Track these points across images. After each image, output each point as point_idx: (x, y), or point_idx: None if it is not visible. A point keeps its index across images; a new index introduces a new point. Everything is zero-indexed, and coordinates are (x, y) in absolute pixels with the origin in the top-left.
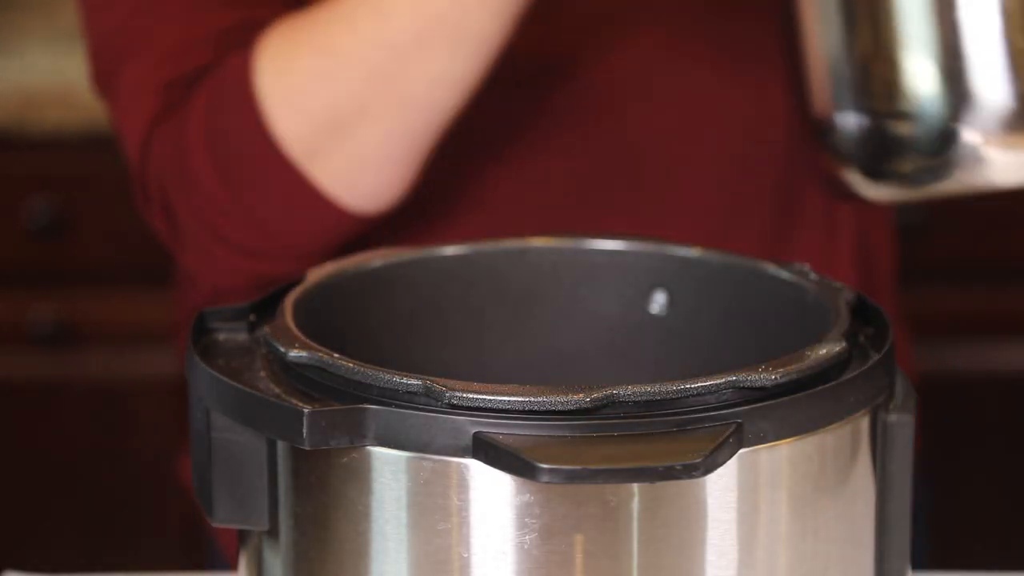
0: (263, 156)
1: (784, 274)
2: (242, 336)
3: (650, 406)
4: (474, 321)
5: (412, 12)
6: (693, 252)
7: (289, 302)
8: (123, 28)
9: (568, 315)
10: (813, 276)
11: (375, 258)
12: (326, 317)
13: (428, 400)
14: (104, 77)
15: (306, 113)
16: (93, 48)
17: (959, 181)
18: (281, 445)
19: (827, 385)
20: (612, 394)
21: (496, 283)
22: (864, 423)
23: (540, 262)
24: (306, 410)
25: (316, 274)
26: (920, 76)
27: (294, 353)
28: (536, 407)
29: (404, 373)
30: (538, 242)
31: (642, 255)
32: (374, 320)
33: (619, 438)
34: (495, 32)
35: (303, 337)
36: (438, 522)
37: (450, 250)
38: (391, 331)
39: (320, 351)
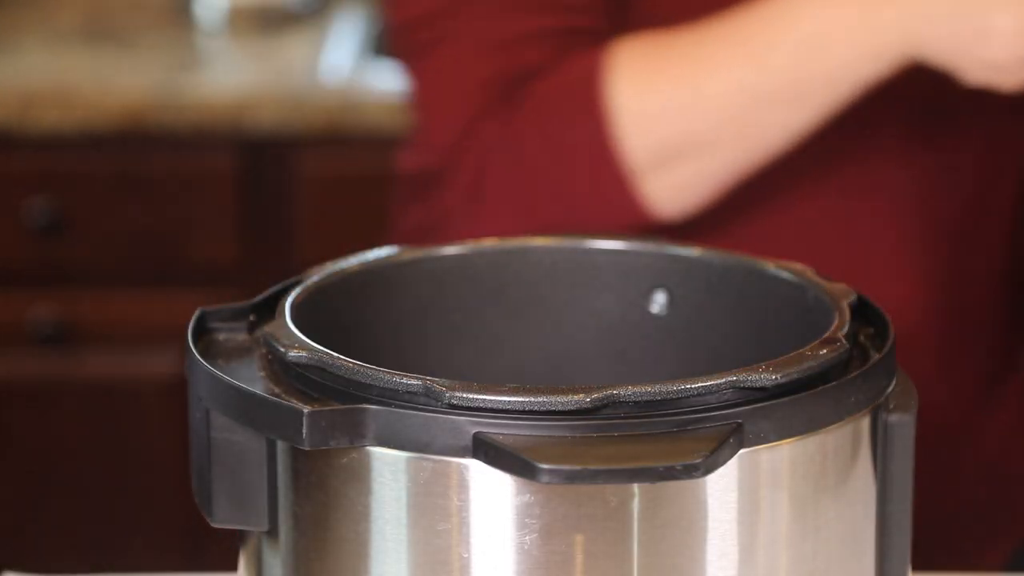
0: (600, 162)
1: (784, 274)
2: (242, 336)
3: (650, 406)
4: (474, 321)
5: (785, 66)
6: (693, 252)
7: (288, 302)
8: (443, 10)
9: (568, 315)
10: (812, 276)
11: (375, 257)
12: (326, 316)
13: (428, 400)
14: (414, 48)
15: (657, 136)
16: (404, 19)
17: None
18: (281, 445)
19: (828, 385)
20: (612, 394)
21: (496, 283)
22: (865, 423)
23: (540, 262)
24: (306, 410)
25: (316, 273)
26: None
27: (294, 353)
28: (536, 407)
29: (404, 373)
30: (538, 242)
31: (642, 255)
32: (374, 319)
33: (619, 438)
34: (853, 93)
35: (303, 337)
36: (438, 522)
37: (450, 250)
38: (391, 330)
39: (320, 351)
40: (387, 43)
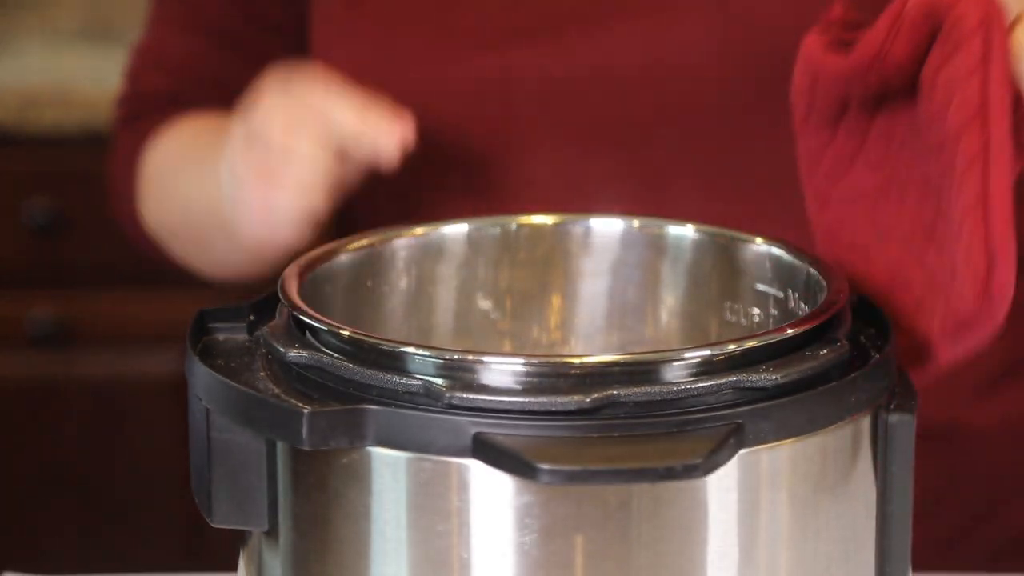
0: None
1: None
2: (242, 336)
3: (650, 406)
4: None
5: (198, 208)
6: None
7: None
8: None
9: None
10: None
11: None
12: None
13: (428, 400)
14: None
15: (153, 219)
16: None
17: None
18: (281, 445)
19: (828, 385)
20: (612, 394)
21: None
22: (865, 423)
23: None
24: (306, 410)
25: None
26: None
27: (294, 353)
28: (536, 407)
29: (404, 373)
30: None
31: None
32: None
33: (619, 438)
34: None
35: (303, 336)
36: (438, 523)
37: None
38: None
39: (320, 351)
40: None
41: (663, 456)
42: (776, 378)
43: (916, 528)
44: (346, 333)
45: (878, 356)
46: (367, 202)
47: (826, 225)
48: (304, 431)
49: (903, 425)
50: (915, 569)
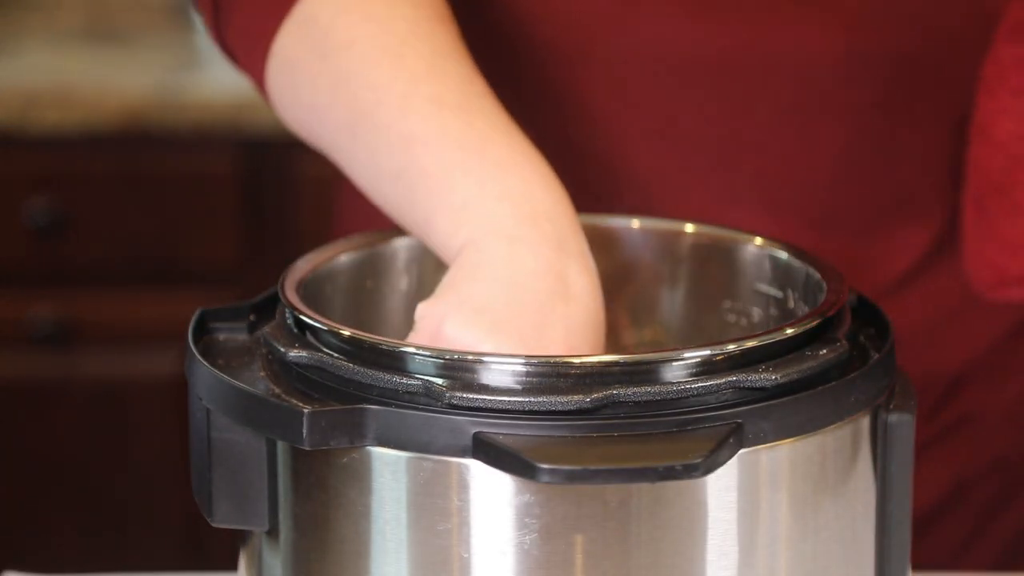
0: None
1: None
2: (242, 336)
3: (650, 406)
4: None
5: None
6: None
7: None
8: None
9: None
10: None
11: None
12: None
13: (428, 400)
14: None
15: (289, 114)
16: None
17: None
18: (281, 445)
19: (827, 385)
20: (612, 394)
21: None
22: (864, 423)
23: None
24: (306, 410)
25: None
26: None
27: (294, 353)
28: (536, 407)
29: (404, 373)
30: None
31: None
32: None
33: (619, 438)
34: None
35: (303, 336)
36: (438, 522)
37: None
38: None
39: (320, 351)
40: None
41: (663, 456)
42: (776, 378)
43: (930, 526)
44: (346, 333)
45: (878, 356)
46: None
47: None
48: (304, 431)
49: (903, 425)
50: (932, 568)
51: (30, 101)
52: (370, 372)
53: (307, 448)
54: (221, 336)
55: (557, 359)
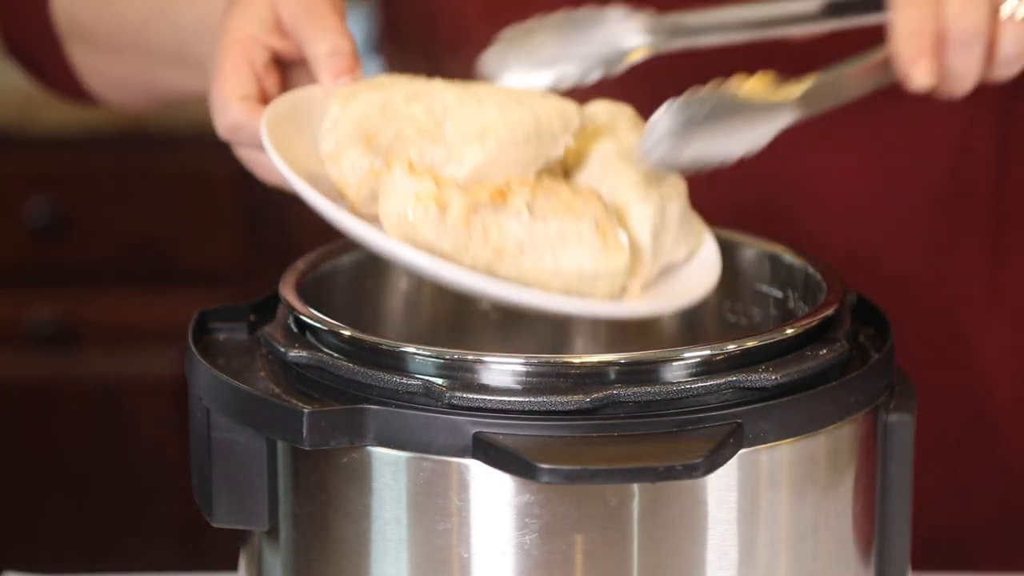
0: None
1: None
2: (242, 336)
3: (650, 406)
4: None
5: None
6: None
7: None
8: None
9: None
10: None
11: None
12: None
13: (428, 400)
14: None
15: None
16: None
17: None
18: (281, 445)
19: (827, 385)
20: (612, 394)
21: None
22: (864, 423)
23: None
24: (306, 410)
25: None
26: None
27: (294, 353)
28: (536, 407)
29: (404, 373)
30: None
31: None
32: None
33: (619, 438)
34: None
35: (303, 336)
36: (438, 522)
37: None
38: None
39: (320, 351)
40: (386, 41)
41: (663, 456)
42: (776, 378)
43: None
44: (346, 333)
45: (878, 356)
46: None
47: None
48: (304, 431)
49: (903, 425)
50: (943, 567)
51: (30, 101)
52: (370, 372)
53: (307, 448)
54: (221, 336)
55: (557, 359)
